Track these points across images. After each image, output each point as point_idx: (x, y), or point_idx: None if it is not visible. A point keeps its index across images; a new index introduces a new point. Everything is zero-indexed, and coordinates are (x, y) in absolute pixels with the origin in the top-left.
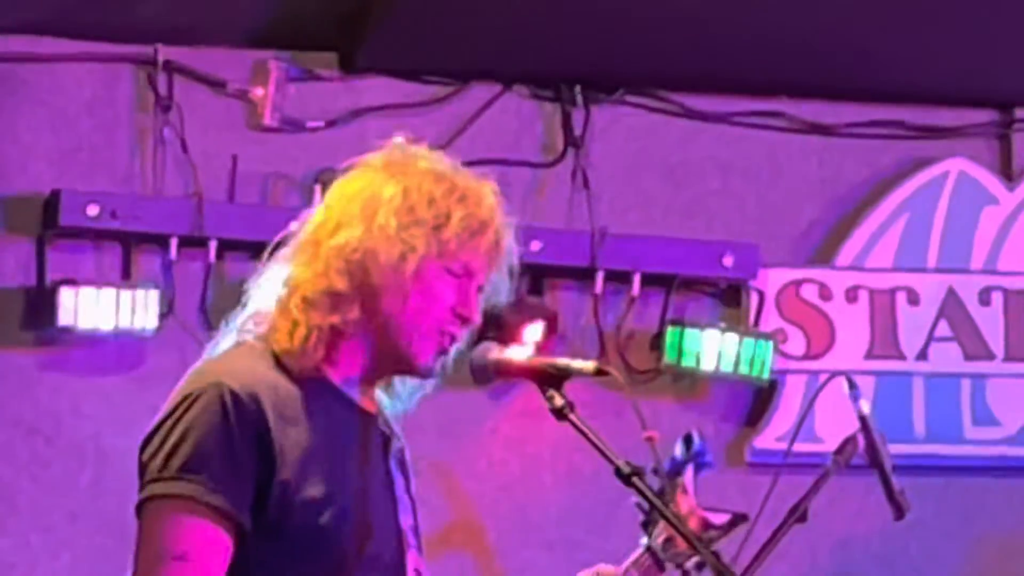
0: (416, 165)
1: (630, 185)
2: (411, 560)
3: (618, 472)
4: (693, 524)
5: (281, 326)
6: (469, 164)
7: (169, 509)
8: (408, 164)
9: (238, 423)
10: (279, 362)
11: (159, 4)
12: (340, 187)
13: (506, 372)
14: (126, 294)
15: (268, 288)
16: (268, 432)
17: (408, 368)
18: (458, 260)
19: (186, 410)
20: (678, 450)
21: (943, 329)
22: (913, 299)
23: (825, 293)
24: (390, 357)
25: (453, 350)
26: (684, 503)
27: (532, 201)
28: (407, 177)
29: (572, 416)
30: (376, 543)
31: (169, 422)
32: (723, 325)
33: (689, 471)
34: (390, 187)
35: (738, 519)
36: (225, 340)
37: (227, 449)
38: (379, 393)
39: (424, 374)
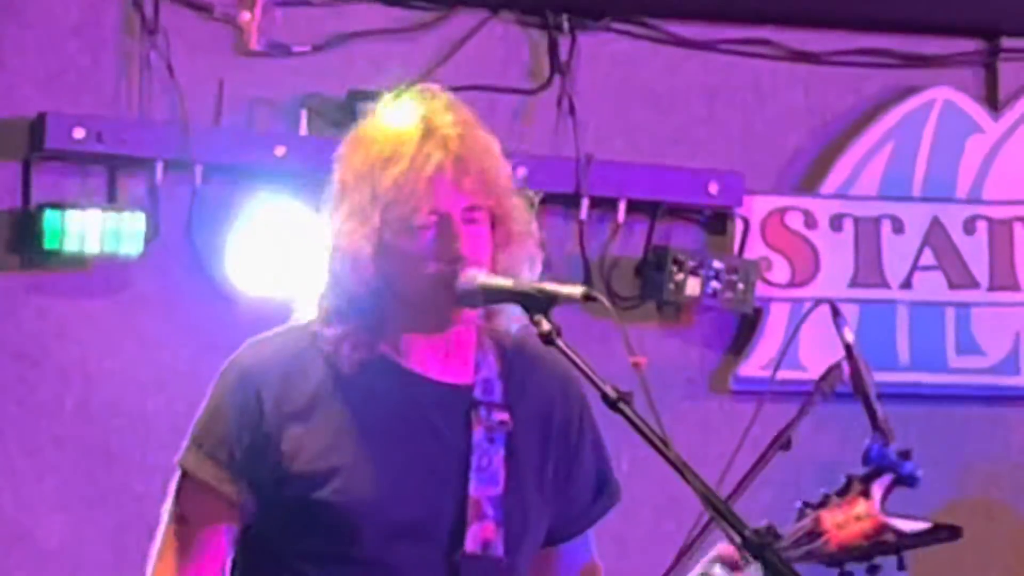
0: (356, 135)
1: (616, 112)
2: (477, 531)
3: (605, 398)
4: (868, 527)
5: (327, 332)
6: (454, 90)
7: (179, 476)
8: (352, 136)
9: (239, 400)
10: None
11: None
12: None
13: (493, 297)
14: (112, 217)
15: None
16: (265, 410)
17: (438, 321)
18: (417, 214)
19: (213, 386)
20: (863, 460)
21: (927, 258)
22: (898, 228)
23: (810, 221)
24: (419, 320)
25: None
26: (860, 505)
27: (518, 128)
28: (344, 155)
29: (559, 341)
30: (409, 511)
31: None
32: (705, 252)
33: (886, 479)
34: (334, 184)
35: (941, 531)
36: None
37: (225, 424)
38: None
39: (450, 324)
